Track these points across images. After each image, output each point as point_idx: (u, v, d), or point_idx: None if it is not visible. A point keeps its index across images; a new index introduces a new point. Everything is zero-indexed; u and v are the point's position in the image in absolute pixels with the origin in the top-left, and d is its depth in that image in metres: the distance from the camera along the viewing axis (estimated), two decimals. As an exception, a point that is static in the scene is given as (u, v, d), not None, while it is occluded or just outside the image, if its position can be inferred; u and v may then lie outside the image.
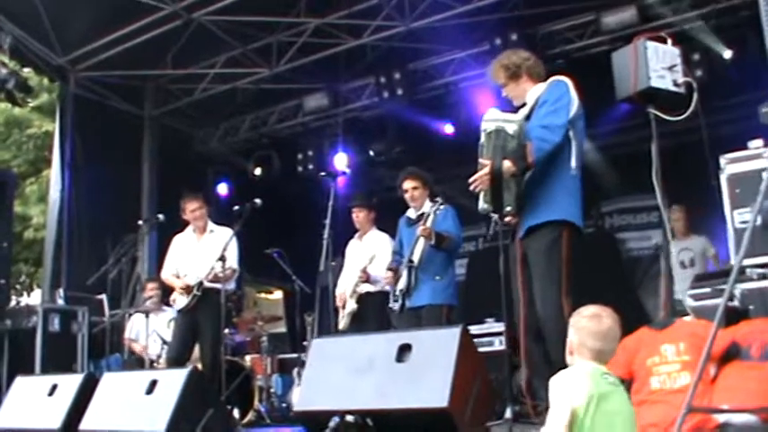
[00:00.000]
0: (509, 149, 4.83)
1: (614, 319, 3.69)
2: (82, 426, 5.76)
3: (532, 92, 5.19)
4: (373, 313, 7.85)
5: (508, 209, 4.91)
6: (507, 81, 5.32)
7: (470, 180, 4.94)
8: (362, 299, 7.89)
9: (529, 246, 5.03)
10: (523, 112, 5.16)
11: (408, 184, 7.31)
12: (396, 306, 7.09)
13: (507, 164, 4.80)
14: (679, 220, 9.76)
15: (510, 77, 5.30)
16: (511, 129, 4.85)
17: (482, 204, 5.01)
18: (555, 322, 4.74)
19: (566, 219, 4.94)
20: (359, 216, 8.26)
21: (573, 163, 4.98)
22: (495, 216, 5.10)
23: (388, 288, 7.93)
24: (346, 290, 8.00)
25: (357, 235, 8.37)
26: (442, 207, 7.07)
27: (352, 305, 7.90)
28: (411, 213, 7.27)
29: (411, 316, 6.99)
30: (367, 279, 7.86)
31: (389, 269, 7.43)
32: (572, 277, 4.83)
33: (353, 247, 8.36)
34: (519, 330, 5.16)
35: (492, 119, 4.93)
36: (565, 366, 4.59)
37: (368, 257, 7.85)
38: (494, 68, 5.40)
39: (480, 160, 4.92)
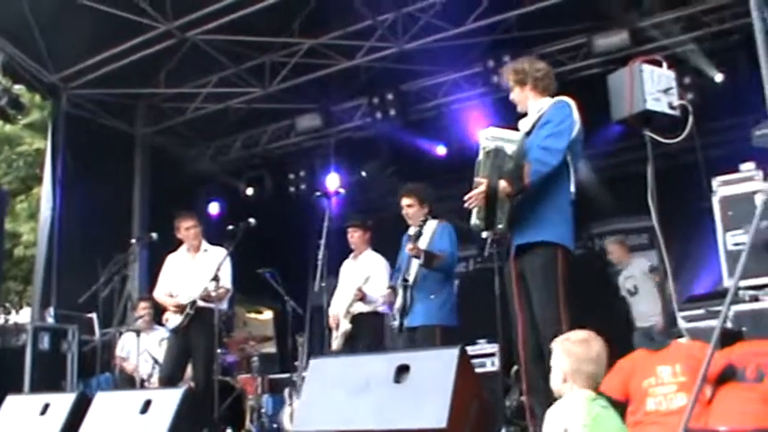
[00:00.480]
0: (506, 169, 4.84)
1: (601, 343, 3.71)
2: (75, 445, 5.72)
3: (535, 105, 5.19)
4: (366, 333, 7.83)
5: (500, 227, 4.92)
6: (513, 85, 5.34)
7: (466, 197, 4.94)
8: (356, 319, 7.88)
9: (524, 265, 5.03)
10: (525, 126, 5.17)
11: (403, 202, 7.24)
12: (395, 325, 7.07)
13: (503, 184, 4.81)
14: (613, 253, 10.01)
15: (516, 82, 5.32)
16: (509, 149, 4.87)
17: (474, 221, 5.02)
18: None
19: (557, 241, 4.93)
20: (354, 236, 8.25)
21: (572, 187, 5.00)
22: (486, 233, 5.09)
23: (382, 309, 7.93)
24: (340, 310, 7.98)
25: (352, 255, 8.36)
26: (438, 224, 7.07)
27: (345, 325, 7.88)
28: (411, 230, 7.21)
29: (408, 336, 6.97)
30: (362, 298, 7.82)
31: (389, 287, 7.39)
32: (569, 300, 4.81)
33: (348, 267, 8.34)
34: (518, 350, 5.15)
35: (493, 137, 4.95)
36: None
37: (363, 277, 7.83)
38: (506, 69, 5.50)
39: (476, 179, 4.93)
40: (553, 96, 5.27)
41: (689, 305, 6.28)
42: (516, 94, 5.35)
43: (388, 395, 4.27)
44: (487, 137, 4.98)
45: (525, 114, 5.28)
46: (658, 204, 5.61)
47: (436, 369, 4.20)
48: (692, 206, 9.05)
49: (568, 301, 4.84)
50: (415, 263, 6.96)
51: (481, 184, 4.87)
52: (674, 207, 9.88)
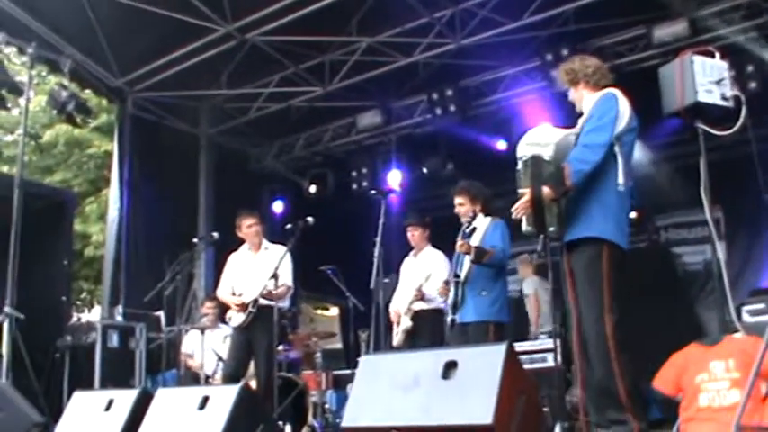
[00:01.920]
0: (546, 175, 4.79)
1: None
2: (137, 440, 5.85)
3: (588, 101, 5.15)
4: (428, 330, 7.88)
5: (551, 229, 4.89)
6: (568, 86, 5.34)
7: (512, 209, 4.93)
8: (417, 316, 7.93)
9: (572, 262, 5.01)
10: (579, 124, 5.13)
11: (456, 201, 7.32)
12: (448, 320, 7.11)
13: (546, 190, 4.77)
14: (528, 267, 10.24)
15: (570, 82, 5.31)
16: (547, 154, 4.80)
17: (525, 227, 5.00)
18: (596, 341, 4.73)
19: (601, 236, 4.85)
20: (414, 235, 8.30)
21: (620, 179, 4.89)
22: (540, 237, 5.08)
23: (442, 306, 7.97)
24: (401, 307, 8.04)
25: (412, 252, 8.41)
26: (491, 221, 7.08)
27: (406, 322, 7.94)
28: (467, 228, 7.23)
29: (460, 332, 6.99)
30: (421, 297, 7.88)
31: (445, 282, 7.47)
32: (613, 298, 4.76)
33: (408, 265, 8.40)
34: (573, 345, 5.13)
35: (529, 143, 4.91)
36: (606, 385, 4.59)
37: (424, 275, 7.87)
38: (558, 72, 5.47)
39: (519, 191, 4.90)
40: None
41: (753, 299, 6.20)
42: (572, 95, 5.34)
43: (435, 391, 4.31)
44: (524, 144, 4.93)
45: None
46: (725, 196, 5.56)
47: (483, 365, 4.22)
48: (760, 198, 8.89)
49: (613, 299, 4.75)
50: (467, 259, 6.98)
51: (524, 194, 4.84)
52: (742, 198, 9.77)
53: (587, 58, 5.42)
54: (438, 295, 7.85)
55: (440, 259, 8.15)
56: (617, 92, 5.02)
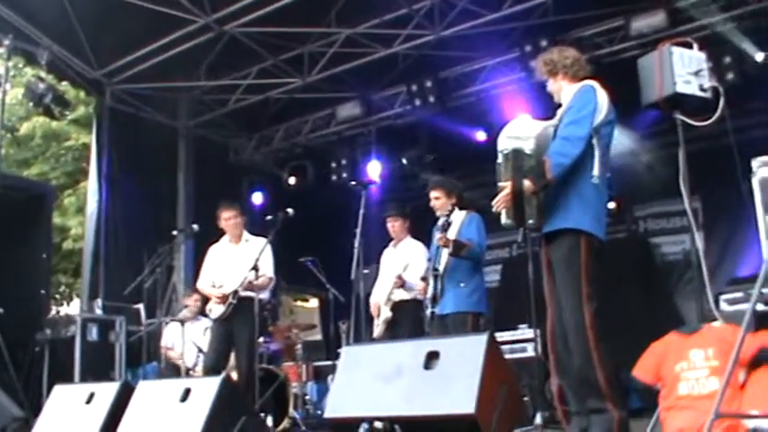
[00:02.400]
0: (527, 168, 4.79)
1: None
2: (118, 433, 5.84)
3: (566, 92, 5.15)
4: (407, 321, 7.89)
5: (530, 222, 4.90)
6: (547, 77, 5.32)
7: (493, 202, 4.93)
8: (397, 306, 7.95)
9: (551, 253, 5.04)
10: (557, 116, 5.14)
11: (431, 194, 7.40)
12: (427, 313, 7.14)
13: (527, 183, 4.76)
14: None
15: (548, 74, 5.29)
16: (528, 147, 4.79)
17: (504, 220, 4.99)
18: (575, 331, 4.74)
19: (579, 228, 4.85)
20: (394, 226, 8.31)
21: (595, 171, 4.90)
22: (519, 230, 5.10)
23: (422, 296, 8.00)
24: (381, 298, 8.06)
25: (392, 243, 8.43)
26: (466, 215, 7.14)
27: (386, 313, 7.96)
28: (440, 221, 7.28)
29: (440, 324, 7.03)
30: (402, 285, 7.90)
31: (422, 278, 7.51)
32: (592, 287, 4.78)
33: (388, 255, 8.42)
34: (548, 335, 5.16)
35: (509, 136, 4.90)
36: (585, 375, 4.63)
37: (403, 265, 7.91)
38: (537, 63, 5.45)
39: (499, 184, 4.89)
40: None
41: (730, 288, 6.24)
42: (550, 86, 5.32)
43: (418, 381, 4.33)
44: (505, 137, 4.92)
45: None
46: (703, 186, 5.59)
47: (465, 355, 4.24)
48: (738, 188, 8.94)
49: (591, 289, 4.76)
50: (445, 252, 7.04)
51: (505, 187, 4.85)
52: (720, 189, 9.83)
53: (566, 49, 5.42)
54: (418, 284, 7.90)
55: (419, 249, 8.17)
56: (595, 84, 5.02)
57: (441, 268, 7.08)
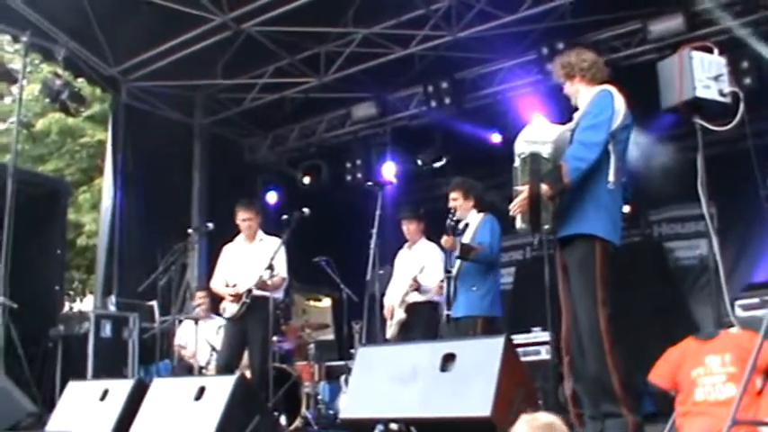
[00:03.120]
0: (544, 172, 4.81)
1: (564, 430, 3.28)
2: (132, 430, 5.85)
3: (584, 96, 5.15)
4: (421, 323, 7.89)
5: (546, 227, 4.90)
6: (564, 79, 5.32)
7: (510, 206, 4.94)
8: (411, 308, 7.95)
9: (566, 258, 5.04)
10: (575, 119, 5.13)
11: (450, 196, 7.43)
12: (445, 316, 7.14)
13: (544, 188, 4.78)
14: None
15: (565, 76, 5.29)
16: (545, 151, 4.82)
17: (519, 224, 5.00)
18: (590, 335, 4.76)
19: (595, 233, 4.88)
20: (409, 228, 8.32)
21: (610, 177, 4.92)
22: (534, 233, 5.08)
23: (437, 298, 8.00)
24: (395, 299, 8.05)
25: (407, 245, 8.43)
26: (483, 217, 7.12)
27: (400, 314, 7.95)
28: (453, 223, 7.26)
29: (455, 327, 7.03)
30: (417, 288, 7.90)
31: (441, 280, 7.51)
32: (606, 292, 4.78)
33: (403, 257, 8.42)
34: (563, 338, 5.15)
35: (527, 140, 4.91)
36: (600, 378, 4.63)
37: (418, 267, 7.89)
38: (554, 66, 5.46)
39: (516, 188, 4.91)
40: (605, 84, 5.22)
41: (746, 294, 6.22)
42: (567, 88, 5.33)
43: (434, 383, 4.33)
44: (522, 141, 4.94)
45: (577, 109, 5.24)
46: (719, 191, 5.56)
47: (481, 358, 4.24)
48: (754, 193, 8.90)
49: (606, 294, 4.78)
50: None
51: (522, 191, 4.85)
52: (736, 194, 9.78)
53: (584, 51, 5.39)
54: (433, 287, 7.90)
55: (434, 252, 8.16)
56: (613, 89, 5.02)
57: (453, 271, 7.08)
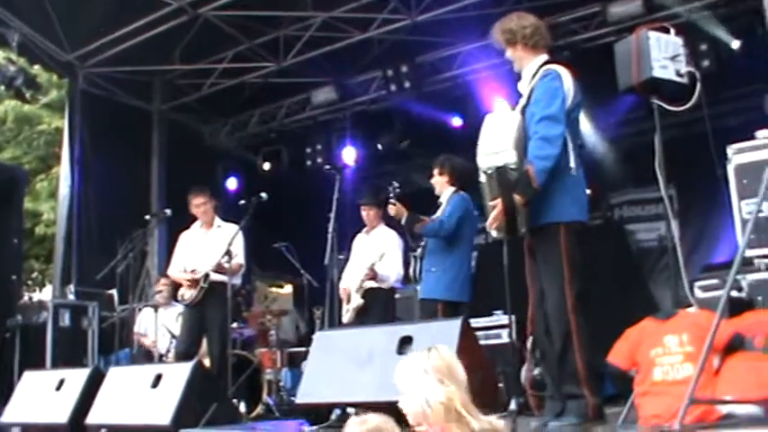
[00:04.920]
0: (513, 182, 4.73)
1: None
2: (89, 419, 5.80)
3: (529, 66, 5.03)
4: (379, 309, 7.85)
5: (522, 229, 4.89)
6: (505, 45, 5.15)
7: (488, 225, 4.89)
8: (368, 293, 7.89)
9: (534, 242, 5.01)
10: (523, 89, 5.05)
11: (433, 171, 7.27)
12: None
13: (517, 198, 4.72)
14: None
15: (506, 42, 5.12)
16: (510, 160, 4.71)
17: (495, 234, 4.96)
18: (557, 315, 4.75)
19: (561, 219, 4.84)
20: (369, 214, 8.25)
21: (572, 164, 4.88)
22: (509, 236, 4.98)
23: (396, 285, 7.97)
24: (351, 284, 7.99)
25: (365, 230, 8.37)
26: (453, 194, 7.03)
27: (357, 300, 7.89)
28: (391, 190, 7.20)
29: (421, 307, 6.99)
30: (374, 276, 7.84)
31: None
32: (574, 271, 4.76)
33: (361, 242, 8.36)
34: (528, 319, 5.14)
35: (488, 152, 4.77)
36: (564, 359, 4.63)
37: (377, 254, 7.81)
38: (494, 31, 5.24)
39: (488, 204, 4.85)
40: (549, 52, 5.14)
41: (705, 275, 6.24)
42: (510, 54, 5.16)
43: (391, 366, 4.27)
44: (483, 155, 4.81)
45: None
46: (678, 174, 5.58)
47: (438, 341, 4.19)
48: (713, 175, 8.96)
49: (573, 273, 4.76)
50: None
51: (495, 205, 4.78)
52: (694, 176, 9.84)
53: (525, 16, 5.21)
54: (391, 275, 7.87)
55: (393, 239, 8.13)
56: (560, 69, 4.91)
57: (419, 251, 7.03)
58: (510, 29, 5.10)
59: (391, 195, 7.18)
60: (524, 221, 4.85)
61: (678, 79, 5.16)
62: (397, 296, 8.61)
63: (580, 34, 10.41)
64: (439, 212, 7.03)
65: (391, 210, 6.94)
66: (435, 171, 7.22)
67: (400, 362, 3.16)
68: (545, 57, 5.07)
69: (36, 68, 12.35)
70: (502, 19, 5.25)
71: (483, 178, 4.86)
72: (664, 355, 4.49)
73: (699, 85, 5.16)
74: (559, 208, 4.85)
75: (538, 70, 4.96)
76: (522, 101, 5.02)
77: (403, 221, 6.88)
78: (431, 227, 6.87)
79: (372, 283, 7.86)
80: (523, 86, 5.07)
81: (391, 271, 7.94)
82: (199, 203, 8.05)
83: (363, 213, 8.30)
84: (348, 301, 7.94)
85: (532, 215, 4.90)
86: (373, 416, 3.16)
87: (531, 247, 5.07)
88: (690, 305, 5.20)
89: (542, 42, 5.10)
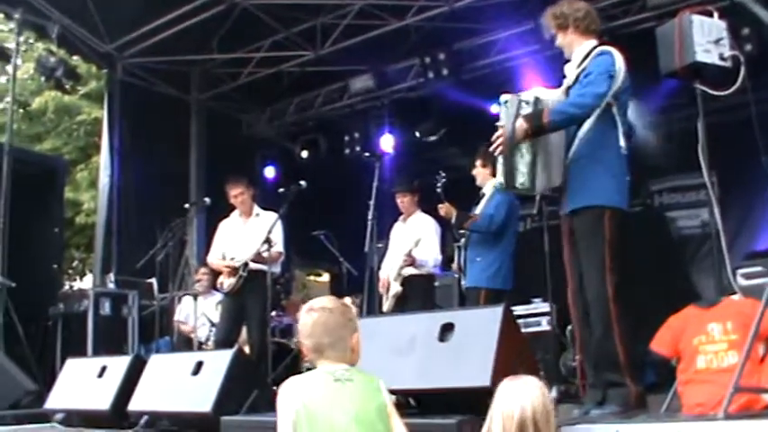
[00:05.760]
0: (523, 113, 4.75)
1: (331, 310, 3.27)
2: (130, 406, 5.84)
3: (579, 50, 5.06)
4: (418, 296, 7.85)
5: (521, 181, 4.83)
6: (556, 30, 5.18)
7: (491, 147, 4.91)
8: (407, 281, 7.89)
9: (574, 225, 4.98)
10: (570, 73, 5.08)
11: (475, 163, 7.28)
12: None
13: (520, 122, 4.71)
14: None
15: (558, 27, 5.15)
16: (526, 96, 4.79)
17: (498, 178, 5.00)
18: (597, 302, 4.73)
19: (606, 204, 4.83)
20: (403, 201, 8.26)
21: (621, 142, 4.88)
22: (509, 189, 5.02)
23: (433, 270, 7.95)
24: (390, 273, 7.99)
25: (401, 218, 8.37)
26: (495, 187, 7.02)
27: (396, 288, 7.90)
28: (439, 187, 7.21)
29: (467, 296, 6.98)
30: (412, 263, 7.84)
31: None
32: (614, 259, 4.74)
33: (398, 230, 8.37)
34: (570, 308, 5.12)
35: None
36: (605, 347, 4.59)
37: (413, 240, 7.82)
38: (545, 16, 5.30)
39: (498, 127, 4.87)
40: (599, 37, 5.16)
41: (747, 262, 6.17)
42: (560, 40, 5.19)
43: (432, 354, 4.29)
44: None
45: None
46: (720, 160, 5.50)
47: (480, 328, 4.19)
48: (756, 161, 8.84)
49: (614, 263, 4.74)
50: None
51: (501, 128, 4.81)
52: (737, 162, 9.72)
53: (576, 1, 5.22)
54: (429, 260, 7.86)
55: (430, 224, 8.11)
56: (612, 49, 4.93)
57: (462, 240, 7.01)
58: (562, 12, 5.13)
59: (439, 186, 7.18)
60: (526, 174, 4.82)
61: (721, 63, 5.07)
62: (436, 284, 8.60)
63: (620, 19, 10.27)
64: (482, 204, 7.04)
65: (441, 210, 6.93)
66: (478, 162, 7.21)
67: None
68: (594, 41, 5.08)
69: (75, 59, 12.42)
70: (553, 5, 5.27)
71: (501, 110, 4.91)
72: (707, 343, 4.44)
73: (743, 69, 5.07)
74: (605, 192, 4.84)
75: (590, 53, 4.97)
76: (568, 81, 5.04)
77: (453, 221, 6.87)
78: (480, 223, 6.94)
79: (411, 270, 7.86)
80: (571, 68, 5.08)
81: (429, 256, 7.94)
82: (237, 193, 8.07)
83: (398, 201, 8.29)
84: (387, 290, 7.94)
85: (575, 196, 4.91)
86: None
87: (570, 231, 5.05)
88: (733, 293, 5.13)
89: (593, 26, 5.15)
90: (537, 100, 4.80)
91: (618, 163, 4.90)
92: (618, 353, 4.58)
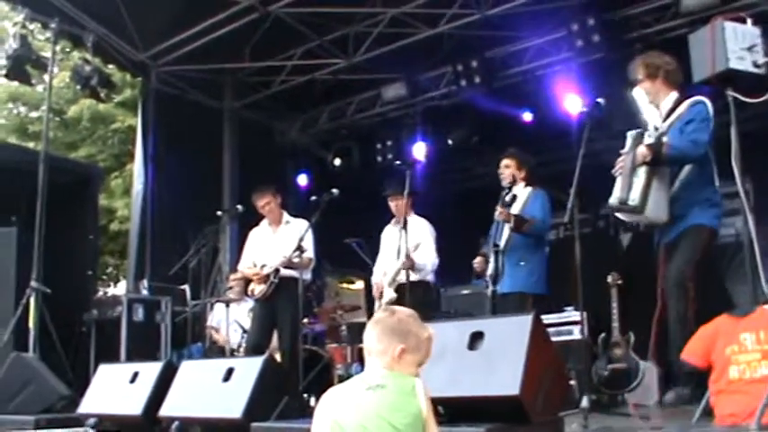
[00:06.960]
0: (645, 142, 5.46)
1: (383, 320, 3.36)
2: (162, 412, 5.87)
3: (667, 100, 5.68)
4: (413, 303, 7.70)
5: (633, 198, 5.39)
6: (644, 79, 5.74)
7: (615, 169, 5.60)
8: (402, 288, 7.52)
9: (676, 243, 5.65)
10: (654, 119, 5.71)
11: (502, 162, 7.27)
12: (488, 291, 6.98)
13: (642, 149, 5.40)
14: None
15: (647, 76, 5.74)
16: (650, 131, 5.50)
17: (612, 198, 5.55)
18: (675, 284, 5.50)
19: (711, 225, 5.63)
20: (397, 205, 8.04)
21: (716, 182, 5.63)
22: (620, 205, 5.56)
23: (430, 277, 7.87)
24: (384, 278, 7.93)
25: (393, 221, 8.26)
26: (532, 191, 7.00)
27: (390, 294, 7.77)
28: (507, 197, 7.13)
29: (501, 302, 6.89)
30: (412, 266, 7.58)
31: (479, 254, 7.31)
32: (697, 271, 5.53)
33: (391, 234, 8.23)
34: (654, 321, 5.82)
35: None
36: (682, 325, 5.30)
37: (412, 244, 7.60)
38: (636, 64, 5.86)
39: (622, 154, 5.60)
40: (681, 89, 5.74)
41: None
42: (647, 87, 5.77)
43: (461, 362, 4.28)
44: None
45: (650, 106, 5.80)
46: (754, 167, 5.49)
47: (510, 336, 4.18)
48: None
49: (699, 269, 5.53)
50: (507, 228, 6.92)
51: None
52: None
53: (665, 55, 5.86)
54: (428, 264, 7.78)
55: (426, 228, 8.04)
56: (706, 100, 5.55)
57: (501, 244, 6.94)
58: (654, 63, 5.80)
59: (507, 197, 7.11)
60: (638, 193, 5.41)
61: (755, 70, 5.05)
62: (466, 292, 8.54)
63: (652, 26, 10.19)
64: (518, 206, 6.99)
65: (500, 216, 6.90)
66: (511, 163, 7.20)
67: None
68: (677, 93, 5.73)
69: (110, 68, 12.54)
70: (644, 55, 6.05)
71: (628, 141, 5.63)
72: (740, 352, 4.39)
73: (777, 76, 5.04)
74: (710, 217, 5.64)
75: (679, 103, 5.67)
76: (657, 122, 5.70)
77: (511, 224, 6.85)
78: (537, 227, 7.00)
79: (407, 276, 7.67)
80: (654, 116, 5.74)
81: (427, 259, 7.87)
82: (263, 203, 8.11)
83: (391, 205, 8.14)
84: (380, 296, 7.87)
85: (685, 219, 5.59)
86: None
87: (667, 250, 5.69)
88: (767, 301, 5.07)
89: (678, 79, 5.77)
90: (660, 135, 5.49)
91: (715, 196, 5.70)
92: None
